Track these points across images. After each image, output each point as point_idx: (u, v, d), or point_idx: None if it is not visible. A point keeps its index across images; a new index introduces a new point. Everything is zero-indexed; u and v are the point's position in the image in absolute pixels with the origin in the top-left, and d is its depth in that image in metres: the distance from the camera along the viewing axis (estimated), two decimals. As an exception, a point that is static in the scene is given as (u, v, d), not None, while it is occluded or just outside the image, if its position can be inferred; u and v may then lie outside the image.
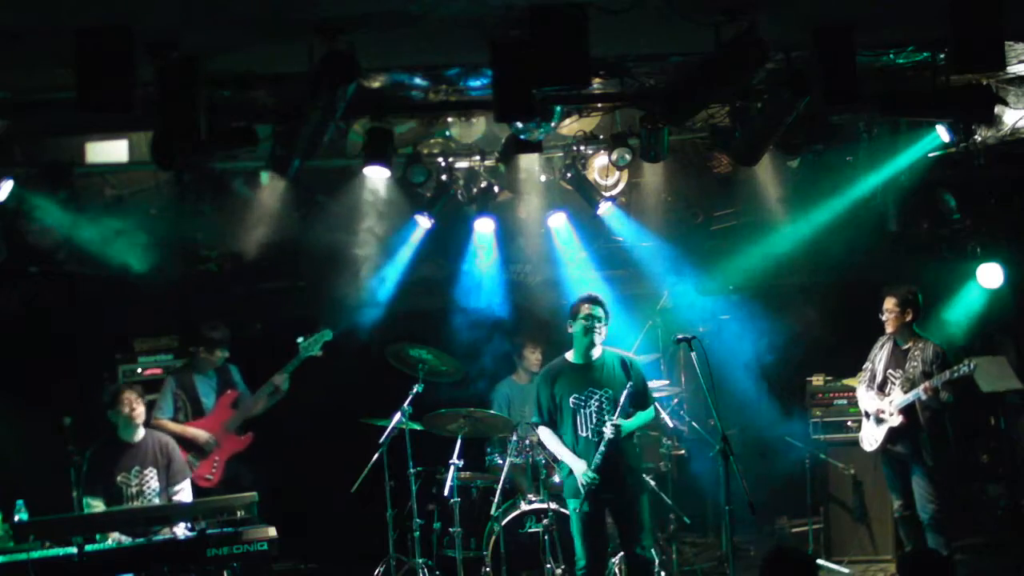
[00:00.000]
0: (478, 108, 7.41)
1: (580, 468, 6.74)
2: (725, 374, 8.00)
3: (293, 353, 8.02)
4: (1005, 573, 8.05)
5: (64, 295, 8.59)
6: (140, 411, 6.97)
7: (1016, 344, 9.29)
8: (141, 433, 6.92)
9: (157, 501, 6.86)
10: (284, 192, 8.25)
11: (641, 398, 6.90)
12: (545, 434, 6.99)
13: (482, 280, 9.31)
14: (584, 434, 6.78)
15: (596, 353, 6.88)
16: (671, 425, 8.35)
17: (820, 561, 8.12)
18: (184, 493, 7.04)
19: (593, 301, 6.86)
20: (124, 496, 6.79)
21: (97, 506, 6.76)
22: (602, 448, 6.64)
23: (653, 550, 6.92)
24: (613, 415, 6.69)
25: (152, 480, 6.89)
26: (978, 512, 8.97)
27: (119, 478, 6.82)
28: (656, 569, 7.16)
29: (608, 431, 6.64)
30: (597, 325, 6.78)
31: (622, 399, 6.68)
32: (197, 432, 7.69)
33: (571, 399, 6.82)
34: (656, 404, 7.81)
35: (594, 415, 6.76)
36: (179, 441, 7.44)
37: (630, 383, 6.72)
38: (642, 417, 6.90)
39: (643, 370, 7.07)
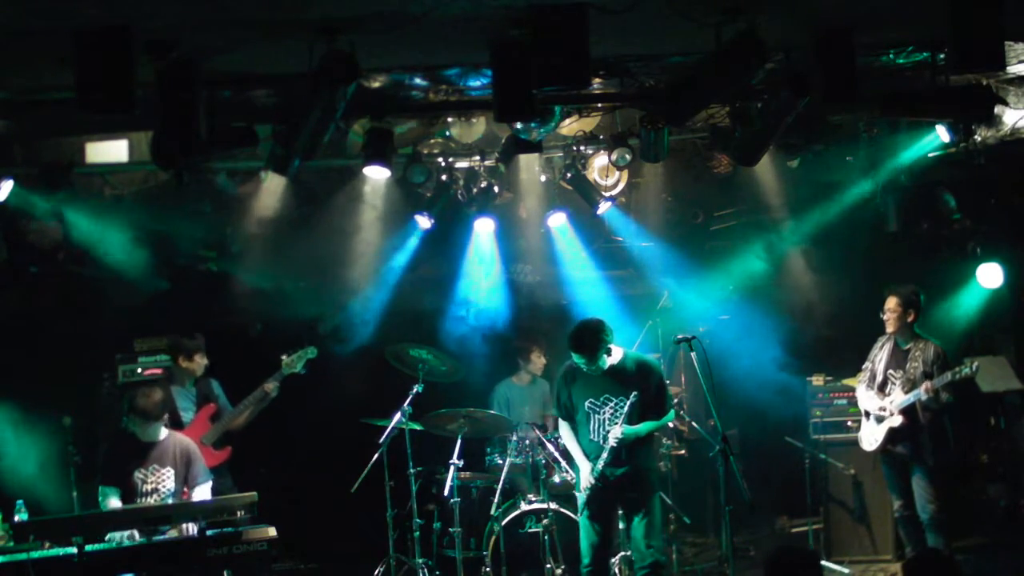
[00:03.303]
0: (478, 108, 7.41)
1: (585, 471, 6.74)
2: (725, 374, 7.99)
3: (278, 366, 7.89)
4: (1005, 573, 8.05)
5: (64, 295, 8.59)
6: (161, 422, 6.90)
7: (1016, 344, 9.30)
8: (163, 433, 6.85)
9: (171, 502, 6.84)
10: (284, 192, 8.26)
11: (655, 404, 6.75)
12: (563, 429, 6.99)
13: (482, 280, 9.32)
14: (595, 439, 6.73)
15: (613, 359, 6.75)
16: (671, 425, 8.35)
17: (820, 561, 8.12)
18: (201, 495, 6.98)
19: (573, 348, 6.66)
20: (138, 492, 6.76)
21: (112, 496, 6.74)
22: (605, 455, 6.60)
23: (662, 552, 6.83)
24: (625, 423, 6.60)
25: (168, 480, 6.85)
26: (978, 512, 8.97)
27: (136, 474, 6.79)
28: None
29: (611, 440, 6.60)
30: (589, 366, 6.67)
31: (626, 407, 6.60)
32: None
33: (586, 404, 6.76)
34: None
35: (606, 421, 6.69)
36: None
37: (635, 392, 6.59)
38: (650, 424, 6.74)
39: (660, 379, 6.85)
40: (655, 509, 6.77)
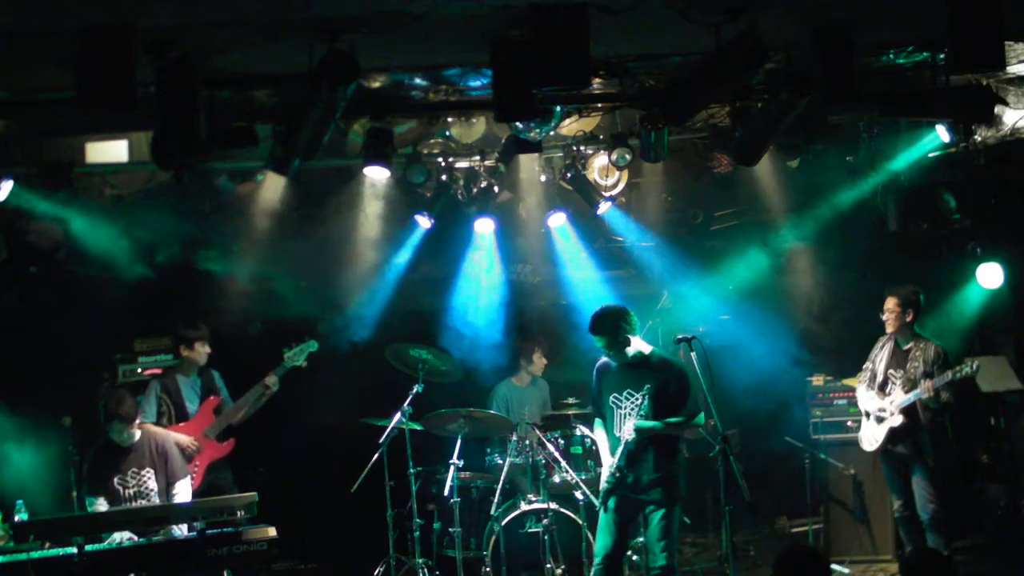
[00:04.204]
0: (478, 108, 7.41)
1: (605, 467, 6.70)
2: (725, 374, 7.98)
3: (279, 360, 7.92)
4: (1005, 573, 8.05)
5: (64, 295, 8.58)
6: (136, 423, 6.92)
7: (1016, 344, 9.30)
8: (136, 436, 6.89)
9: (157, 501, 6.85)
10: (283, 192, 8.26)
11: (674, 403, 6.59)
12: (596, 427, 6.93)
13: (482, 280, 9.32)
14: (618, 434, 6.65)
15: (639, 352, 6.67)
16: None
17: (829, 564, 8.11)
18: (183, 492, 7.02)
19: (590, 329, 6.64)
20: (122, 498, 6.78)
21: (100, 505, 6.75)
22: (621, 451, 6.54)
23: (671, 558, 6.61)
24: (643, 417, 6.53)
25: (150, 480, 6.87)
26: (978, 512, 8.97)
27: (116, 480, 6.80)
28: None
29: (624, 434, 6.54)
30: (607, 351, 6.65)
31: (642, 402, 6.54)
32: (180, 437, 7.52)
33: (610, 398, 6.71)
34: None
35: (626, 416, 6.61)
36: None
37: (647, 386, 6.52)
38: (665, 422, 6.55)
39: (682, 376, 6.63)
40: (675, 517, 6.64)
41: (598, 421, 6.91)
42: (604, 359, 6.81)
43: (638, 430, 6.51)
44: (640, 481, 6.61)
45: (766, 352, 9.05)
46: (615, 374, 6.74)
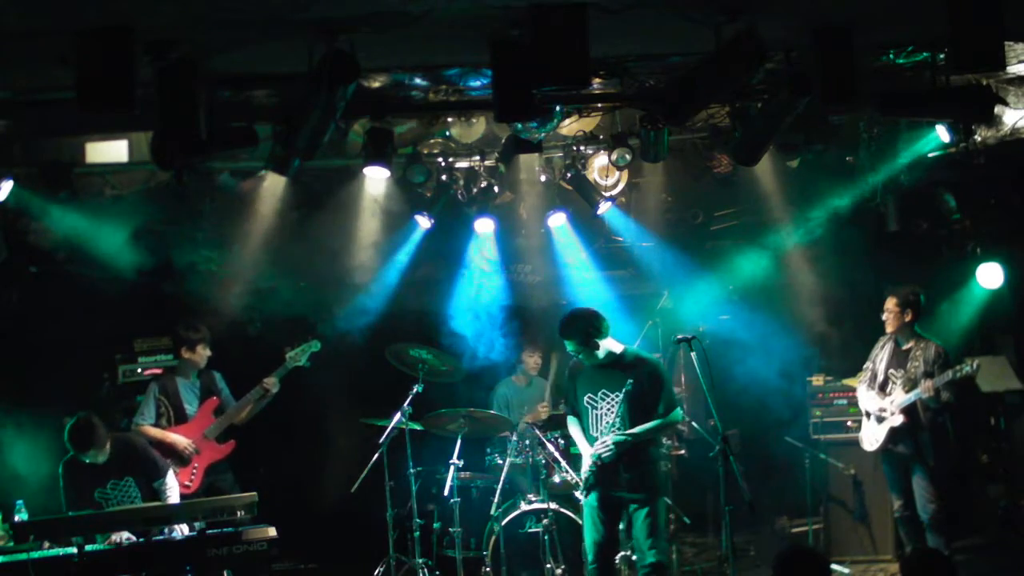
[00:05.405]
0: (478, 108, 7.41)
1: (585, 456, 6.66)
2: (725, 374, 7.99)
3: (283, 359, 7.92)
4: (1005, 573, 8.05)
5: (64, 295, 8.58)
6: (107, 448, 6.81)
7: (1016, 344, 9.29)
8: (106, 451, 6.76)
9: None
10: (284, 191, 8.26)
11: (651, 399, 6.57)
12: (571, 425, 6.92)
13: (482, 281, 9.32)
14: (595, 434, 6.64)
15: (611, 353, 6.65)
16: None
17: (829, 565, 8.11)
18: (172, 488, 6.99)
19: (560, 332, 6.64)
20: (107, 509, 6.74)
21: None
22: (594, 458, 6.55)
23: (664, 553, 6.68)
24: (620, 418, 6.52)
25: (130, 487, 6.83)
26: (978, 512, 8.97)
27: (96, 495, 6.76)
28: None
29: (602, 449, 6.50)
30: (578, 354, 6.65)
31: (618, 401, 6.52)
32: (177, 439, 7.54)
33: (585, 399, 6.71)
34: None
35: (602, 417, 6.60)
36: (159, 448, 7.32)
37: (624, 390, 6.49)
38: (641, 429, 6.52)
39: (656, 372, 6.64)
40: (659, 510, 6.63)
41: (572, 419, 6.91)
42: (575, 360, 6.81)
43: (617, 444, 6.49)
44: (618, 481, 6.60)
45: (766, 352, 9.05)
46: (589, 374, 6.73)
